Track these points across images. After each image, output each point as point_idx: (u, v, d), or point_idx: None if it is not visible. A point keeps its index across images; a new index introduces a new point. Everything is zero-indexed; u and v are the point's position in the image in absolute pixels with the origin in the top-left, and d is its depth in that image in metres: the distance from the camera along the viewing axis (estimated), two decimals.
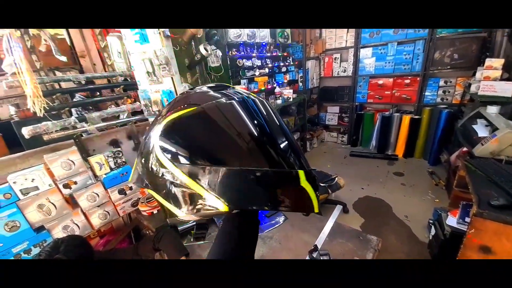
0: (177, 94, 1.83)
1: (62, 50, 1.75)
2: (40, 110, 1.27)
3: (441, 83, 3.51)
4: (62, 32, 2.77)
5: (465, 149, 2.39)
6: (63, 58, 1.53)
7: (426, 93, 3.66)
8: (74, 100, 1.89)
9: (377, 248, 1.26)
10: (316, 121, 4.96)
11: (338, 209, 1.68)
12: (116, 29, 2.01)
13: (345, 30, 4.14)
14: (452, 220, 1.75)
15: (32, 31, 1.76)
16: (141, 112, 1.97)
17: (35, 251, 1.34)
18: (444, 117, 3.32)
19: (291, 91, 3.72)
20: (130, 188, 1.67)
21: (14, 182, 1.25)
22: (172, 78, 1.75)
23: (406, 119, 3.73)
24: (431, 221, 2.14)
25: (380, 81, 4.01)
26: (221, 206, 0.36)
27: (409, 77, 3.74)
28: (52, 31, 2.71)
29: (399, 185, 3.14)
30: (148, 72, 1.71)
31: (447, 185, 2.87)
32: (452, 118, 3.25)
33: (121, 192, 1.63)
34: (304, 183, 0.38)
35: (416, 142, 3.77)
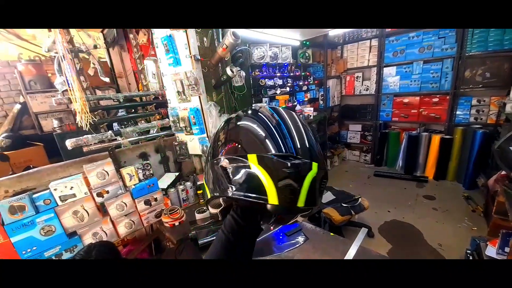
0: (203, 111, 1.93)
1: (104, 72, 1.96)
2: (86, 124, 1.41)
3: (474, 102, 3.32)
4: (104, 56, 3.12)
5: (503, 172, 2.18)
6: (106, 79, 1.72)
7: (458, 112, 3.46)
8: (118, 115, 2.08)
9: None
10: (337, 139, 4.86)
11: (363, 232, 1.60)
12: (152, 54, 2.23)
13: (367, 50, 4.15)
14: (491, 250, 1.62)
15: (82, 55, 2.01)
16: (169, 127, 2.09)
17: (65, 255, 1.42)
18: (479, 137, 3.09)
19: (312, 109, 3.74)
20: (155, 199, 1.74)
21: (55, 189, 1.36)
22: (199, 97, 1.86)
23: (436, 138, 3.52)
24: (469, 251, 1.94)
25: (406, 100, 3.89)
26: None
27: (438, 96, 3.59)
28: (97, 55, 3.05)
29: (430, 210, 2.90)
30: (178, 92, 1.85)
31: (486, 212, 2.61)
32: (488, 139, 3.01)
33: (147, 202, 1.70)
34: (257, 167, 0.43)
35: (448, 163, 3.52)
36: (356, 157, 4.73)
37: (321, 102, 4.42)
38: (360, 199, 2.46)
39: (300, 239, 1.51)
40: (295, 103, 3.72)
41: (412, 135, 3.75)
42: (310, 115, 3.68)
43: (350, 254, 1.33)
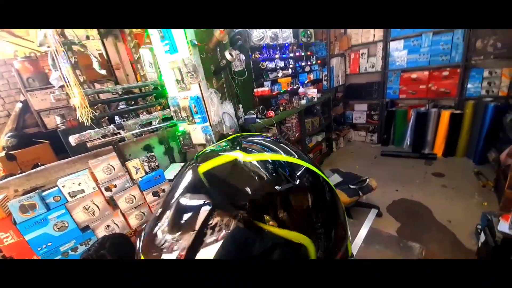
0: (204, 100, 1.88)
1: (101, 64, 1.90)
2: (87, 119, 1.38)
3: (485, 74, 3.16)
4: (100, 47, 3.02)
5: None
6: (103, 72, 1.67)
7: (469, 86, 3.31)
8: (119, 108, 2.05)
9: (421, 256, 1.17)
10: (342, 120, 4.77)
11: (373, 213, 1.59)
12: (147, 42, 2.14)
13: None
14: (504, 226, 1.59)
15: (75, 47, 1.94)
16: (171, 118, 2.06)
17: (81, 249, 1.46)
18: (490, 111, 2.98)
19: (315, 90, 3.62)
20: (163, 191, 1.75)
21: (63, 186, 1.37)
22: (199, 84, 1.81)
23: (446, 114, 3.41)
24: (480, 227, 1.93)
25: (414, 75, 3.73)
26: None
27: (448, 69, 3.42)
28: (93, 47, 2.97)
29: (439, 187, 2.87)
30: (177, 80, 1.79)
31: (497, 187, 2.56)
32: (500, 112, 2.90)
33: (155, 194, 1.71)
34: None
35: (458, 139, 3.43)
36: (362, 137, 4.65)
37: (325, 82, 4.29)
38: (368, 179, 2.43)
39: None
40: (298, 85, 3.61)
41: (420, 112, 3.63)
42: (314, 97, 3.58)
43: (361, 235, 1.33)
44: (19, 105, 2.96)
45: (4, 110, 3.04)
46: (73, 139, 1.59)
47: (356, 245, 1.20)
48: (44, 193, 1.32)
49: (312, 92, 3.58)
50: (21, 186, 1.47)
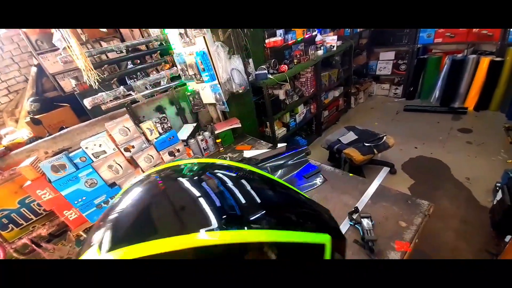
0: (210, 55, 1.77)
1: None
2: (95, 82, 1.38)
3: None
4: None
5: None
6: (104, 29, 1.58)
7: None
8: (128, 67, 1.98)
9: (427, 213, 1.17)
10: (364, 72, 4.37)
11: (384, 171, 1.57)
12: None
13: None
14: None
15: None
16: (179, 77, 2.00)
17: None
18: None
19: (335, 37, 3.23)
20: (178, 150, 1.83)
21: (86, 147, 1.47)
22: (204, 37, 1.68)
23: (485, 62, 2.97)
24: (499, 185, 1.86)
25: None
26: None
27: None
28: None
29: (463, 144, 2.72)
30: (180, 34, 1.67)
31: None
32: None
33: (171, 154, 1.79)
34: None
35: (493, 91, 3.06)
36: (385, 91, 4.31)
37: None
38: (385, 137, 2.34)
39: (318, 181, 1.54)
40: (315, 32, 3.22)
41: (456, 59, 3.20)
42: (333, 46, 3.22)
43: (369, 193, 1.34)
44: (34, 69, 2.99)
45: (21, 75, 3.11)
46: (87, 102, 1.63)
47: (362, 202, 1.22)
48: (70, 154, 1.43)
49: (332, 40, 3.21)
50: (50, 148, 1.60)
